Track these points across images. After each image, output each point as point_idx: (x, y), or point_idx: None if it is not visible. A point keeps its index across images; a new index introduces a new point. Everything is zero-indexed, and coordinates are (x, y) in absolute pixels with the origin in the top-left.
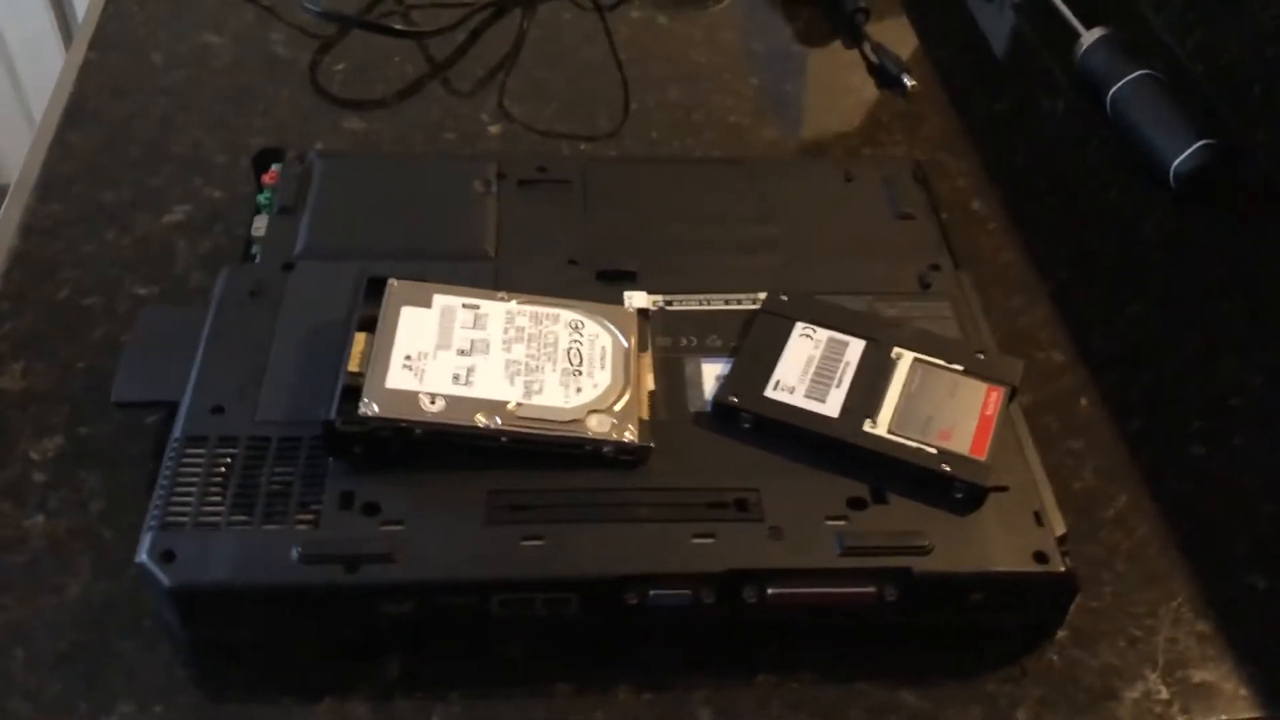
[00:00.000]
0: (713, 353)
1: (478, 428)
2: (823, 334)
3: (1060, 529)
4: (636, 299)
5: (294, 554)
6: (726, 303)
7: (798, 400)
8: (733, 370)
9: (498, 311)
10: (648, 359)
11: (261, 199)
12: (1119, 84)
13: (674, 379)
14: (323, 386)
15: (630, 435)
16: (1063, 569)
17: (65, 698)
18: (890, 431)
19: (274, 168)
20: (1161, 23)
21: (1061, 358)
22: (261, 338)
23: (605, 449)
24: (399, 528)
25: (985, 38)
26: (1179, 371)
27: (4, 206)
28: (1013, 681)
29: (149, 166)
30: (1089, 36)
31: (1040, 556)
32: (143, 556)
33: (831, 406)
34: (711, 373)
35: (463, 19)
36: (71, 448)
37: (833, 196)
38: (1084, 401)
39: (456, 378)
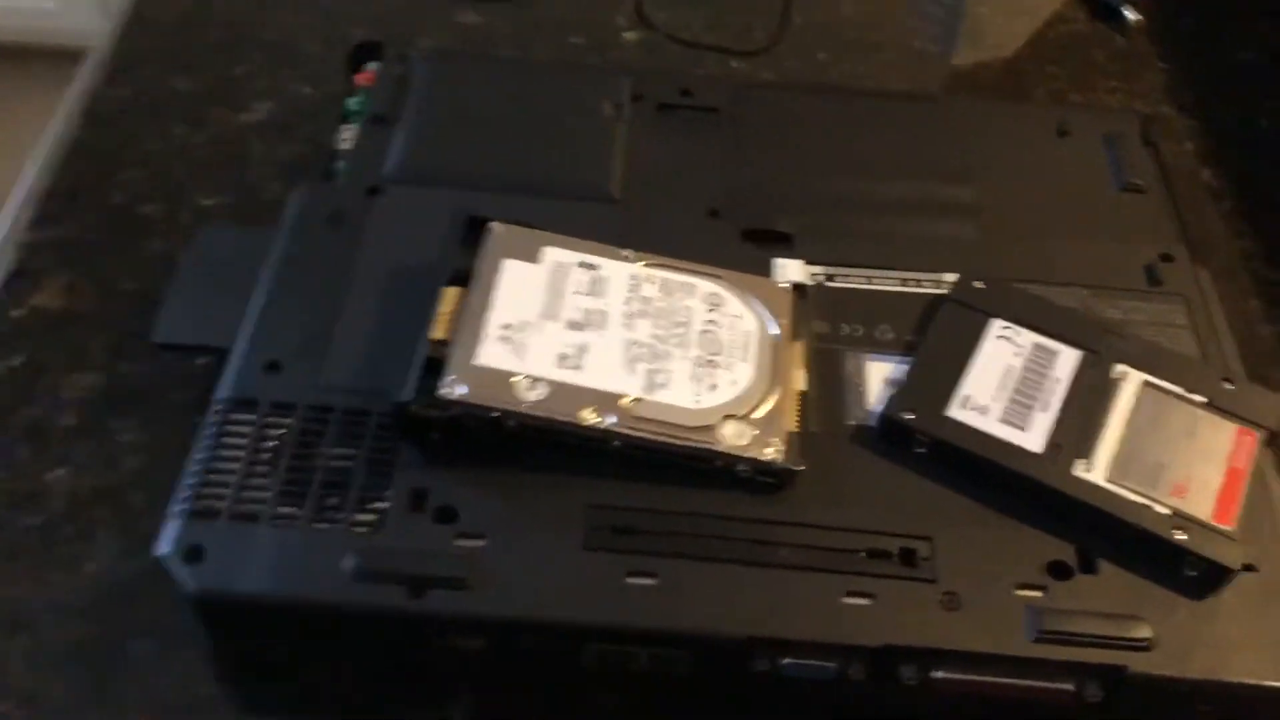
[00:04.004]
0: (882, 347)
1: (583, 426)
2: (1027, 337)
3: None
4: (790, 270)
5: (349, 565)
6: (904, 283)
7: (990, 425)
8: (910, 376)
9: (621, 275)
10: (800, 350)
11: (351, 104)
12: None
13: (831, 378)
14: (402, 350)
15: (773, 453)
16: None
17: (66, 705)
18: (1109, 479)
19: (369, 67)
20: None
21: None
22: (335, 278)
23: (740, 467)
24: (478, 543)
25: None
26: None
27: (71, 85)
28: None
29: (233, 52)
30: None
31: None
32: (164, 549)
33: (1034, 437)
34: (879, 374)
35: None
36: (107, 388)
37: (1042, 155)
38: None
39: (564, 358)
